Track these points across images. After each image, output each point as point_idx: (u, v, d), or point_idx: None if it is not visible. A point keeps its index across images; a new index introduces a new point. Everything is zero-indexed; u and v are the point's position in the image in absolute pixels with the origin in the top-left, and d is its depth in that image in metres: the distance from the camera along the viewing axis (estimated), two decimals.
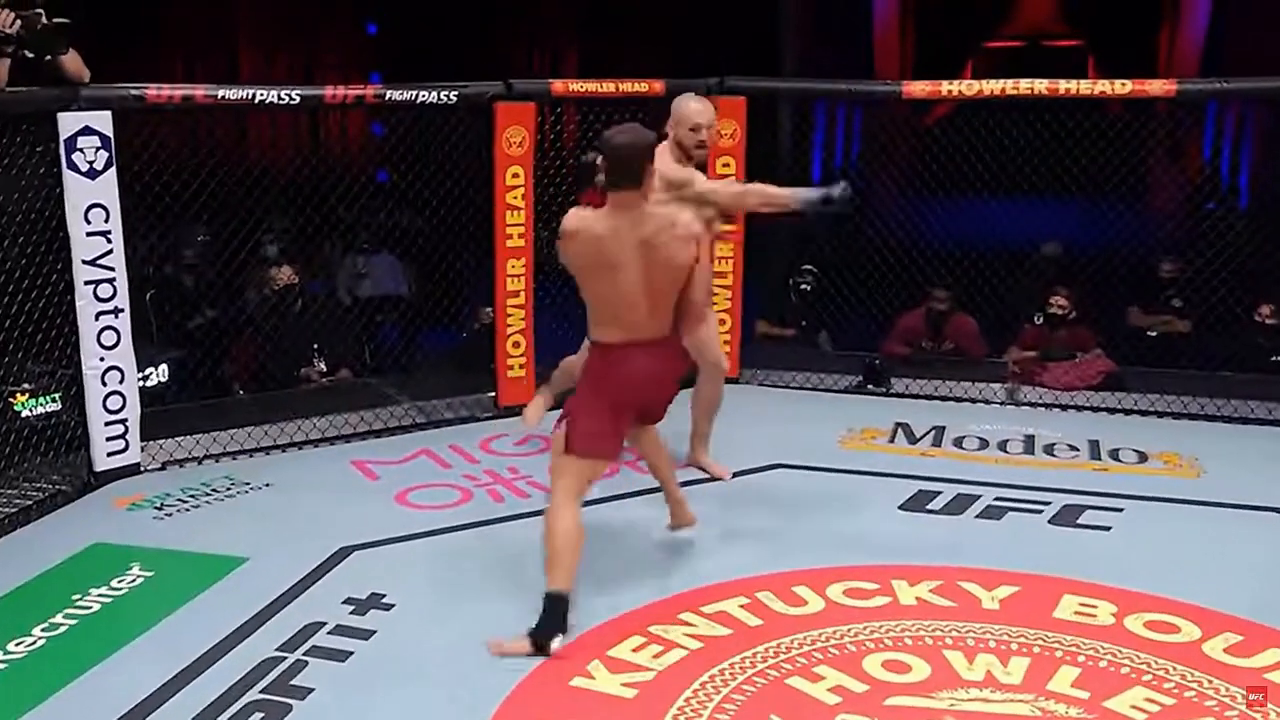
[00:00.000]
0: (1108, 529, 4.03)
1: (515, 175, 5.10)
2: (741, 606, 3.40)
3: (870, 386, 5.86)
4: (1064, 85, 5.03)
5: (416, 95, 4.88)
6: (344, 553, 3.80)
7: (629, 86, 5.32)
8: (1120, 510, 4.19)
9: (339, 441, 4.99)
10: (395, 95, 4.97)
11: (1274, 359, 6.02)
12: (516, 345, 5.27)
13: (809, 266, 6.53)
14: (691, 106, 4.05)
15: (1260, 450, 4.88)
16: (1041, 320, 6.17)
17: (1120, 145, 5.68)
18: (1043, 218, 7.15)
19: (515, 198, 5.13)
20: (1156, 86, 5.05)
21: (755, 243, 5.71)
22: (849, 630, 3.24)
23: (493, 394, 5.33)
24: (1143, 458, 4.84)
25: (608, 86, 5.32)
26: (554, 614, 3.13)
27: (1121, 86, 4.74)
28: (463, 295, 5.87)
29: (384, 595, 3.49)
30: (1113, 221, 6.60)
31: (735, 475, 4.52)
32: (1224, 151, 9.83)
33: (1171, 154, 6.64)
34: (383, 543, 3.89)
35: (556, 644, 3.11)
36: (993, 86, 5.22)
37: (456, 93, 4.94)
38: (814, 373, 5.91)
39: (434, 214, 5.31)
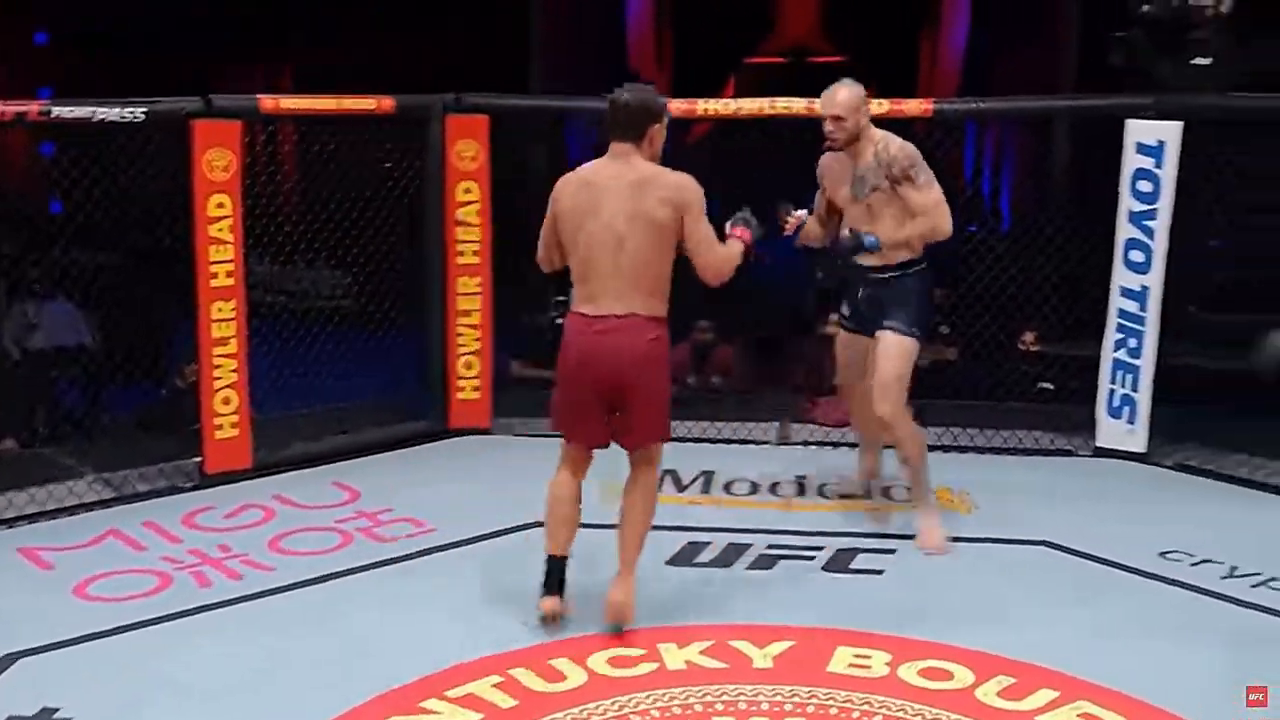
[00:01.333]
0: (880, 573, 4.29)
1: (220, 205, 4.96)
2: (494, 687, 3.40)
3: None
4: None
5: (94, 113, 4.67)
6: (7, 660, 3.56)
7: (353, 103, 5.27)
8: (893, 552, 4.47)
9: (1, 527, 4.66)
10: (66, 112, 4.72)
11: (1039, 387, 6.59)
12: (226, 401, 5.10)
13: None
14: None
15: (1028, 482, 5.33)
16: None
17: None
18: None
19: (221, 230, 4.98)
20: (913, 106, 5.50)
21: (507, 273, 5.76)
22: (614, 704, 3.31)
23: (198, 459, 5.13)
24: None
25: (327, 103, 5.25)
26: (547, 576, 3.76)
27: (878, 106, 5.10)
28: (158, 345, 5.62)
29: (57, 709, 3.28)
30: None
31: (482, 539, 4.52)
32: (985, 173, 10.69)
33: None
34: (57, 646, 3.67)
35: (547, 604, 3.72)
36: (750, 106, 5.52)
37: (145, 109, 4.76)
38: None
39: (120, 251, 5.06)
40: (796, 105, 5.46)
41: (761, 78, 10.67)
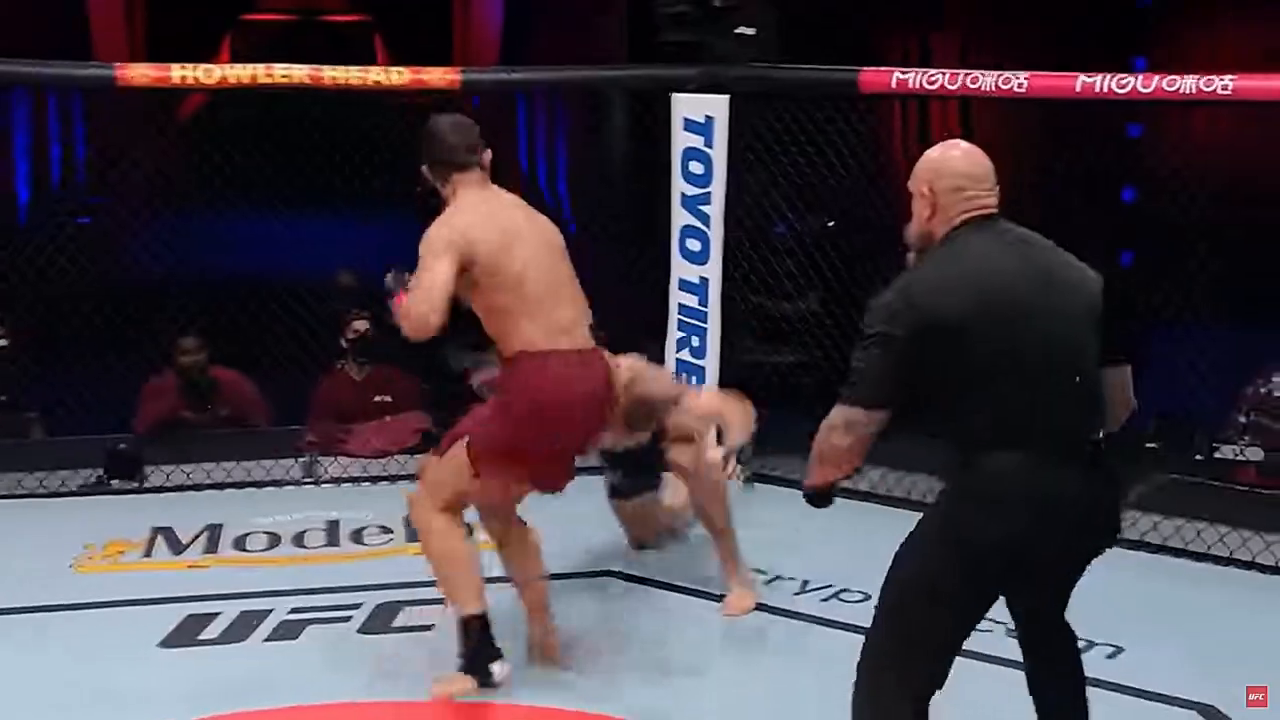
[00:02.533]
0: (429, 628, 4.19)
1: None
2: None
3: (116, 481, 5.61)
4: (329, 73, 5.19)
5: None
6: None
7: None
8: (442, 601, 4.36)
9: None
10: None
11: None
12: None
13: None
14: None
15: (586, 513, 5.35)
16: (345, 364, 6.37)
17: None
18: (341, 236, 7.35)
19: None
20: (436, 76, 5.41)
21: None
22: None
23: None
24: (469, 531, 5.13)
25: None
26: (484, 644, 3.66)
27: (399, 76, 5.02)
28: None
29: None
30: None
31: None
32: (539, 158, 10.97)
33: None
34: None
35: (498, 670, 3.63)
36: (239, 74, 5.23)
37: None
38: (27, 472, 5.53)
39: None
40: (298, 73, 5.22)
41: (261, 38, 10.35)
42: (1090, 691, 3.74)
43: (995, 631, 3.50)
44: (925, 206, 2.82)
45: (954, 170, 2.81)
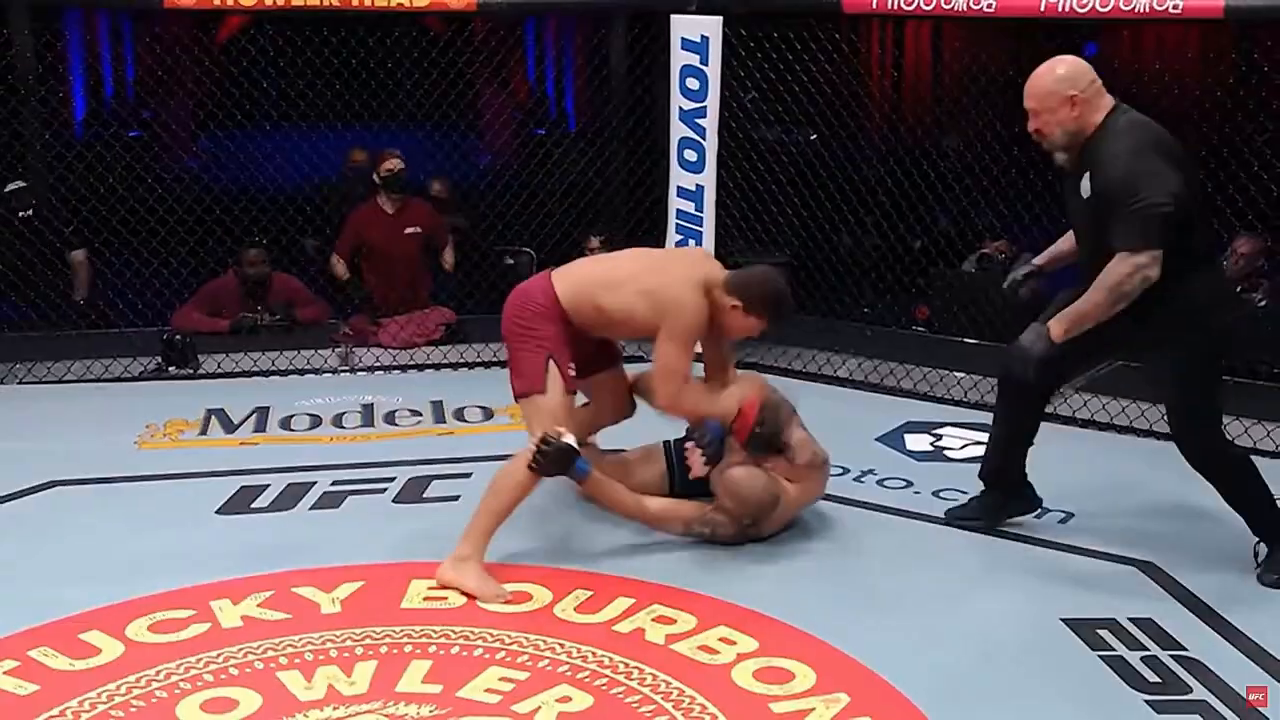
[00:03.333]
0: (455, 498, 4.21)
1: None
2: (6, 674, 3.06)
3: (172, 368, 5.64)
4: None
5: None
6: None
7: None
8: (468, 476, 4.40)
9: None
10: None
11: None
12: None
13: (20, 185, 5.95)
14: None
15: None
16: (380, 197, 6.35)
17: (446, 67, 5.98)
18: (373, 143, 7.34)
19: None
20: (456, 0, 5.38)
21: None
22: (158, 674, 3.06)
23: None
24: (488, 414, 5.20)
25: None
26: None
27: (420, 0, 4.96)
28: None
29: None
30: (449, 153, 7.01)
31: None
32: (548, 74, 10.84)
33: (499, 77, 7.15)
34: None
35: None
36: None
37: None
38: (95, 359, 5.54)
39: None
40: None
41: None
42: (1043, 552, 3.86)
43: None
44: (1072, 108, 3.43)
45: (1085, 71, 3.46)
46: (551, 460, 3.54)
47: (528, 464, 3.55)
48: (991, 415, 4.03)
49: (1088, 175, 3.46)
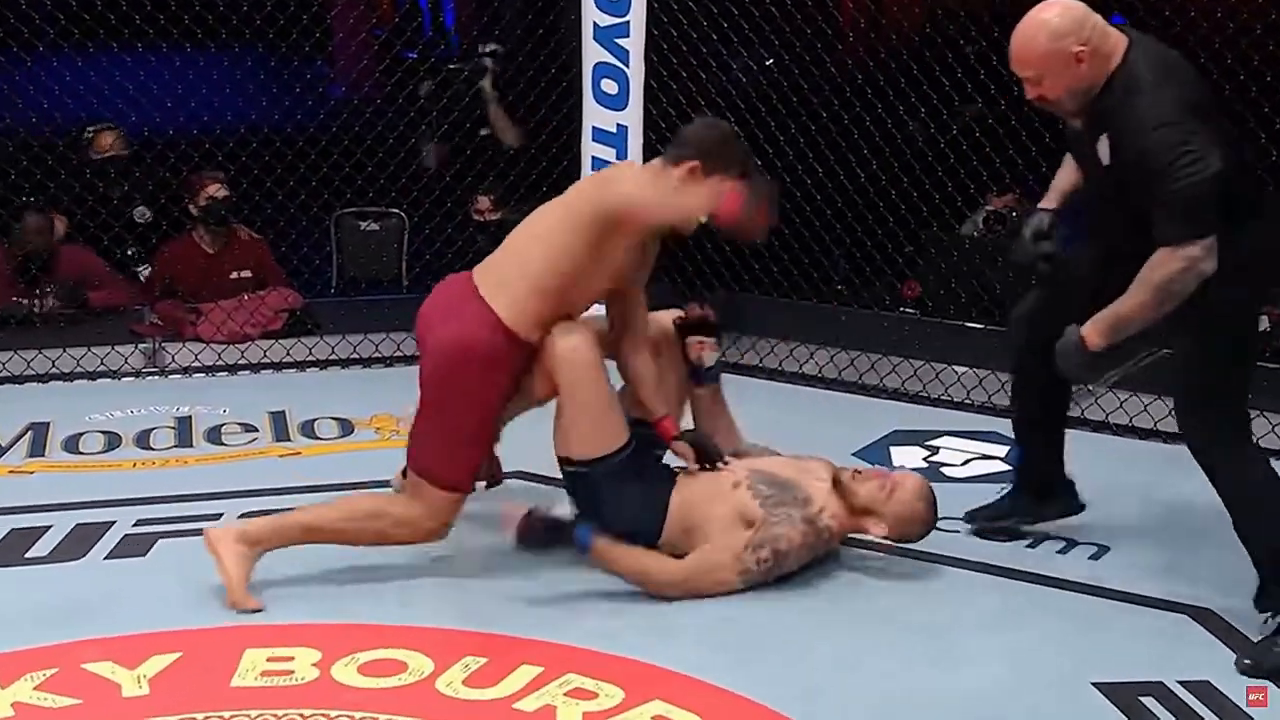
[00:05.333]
0: None
1: None
2: None
3: None
4: None
5: None
6: None
7: None
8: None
9: None
10: None
11: None
12: None
13: None
14: None
15: None
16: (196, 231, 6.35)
17: None
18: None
19: None
20: None
21: None
22: None
23: None
24: (346, 428, 5.18)
25: None
26: None
27: None
28: None
29: None
30: (288, 85, 6.95)
31: None
32: None
33: None
34: None
35: None
36: None
37: None
38: None
39: None
40: None
41: None
42: (1069, 596, 3.92)
43: None
44: (1079, 64, 3.46)
45: (1082, 14, 3.48)
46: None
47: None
48: (1001, 420, 4.12)
49: (1105, 139, 3.54)
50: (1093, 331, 3.53)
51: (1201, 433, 3.66)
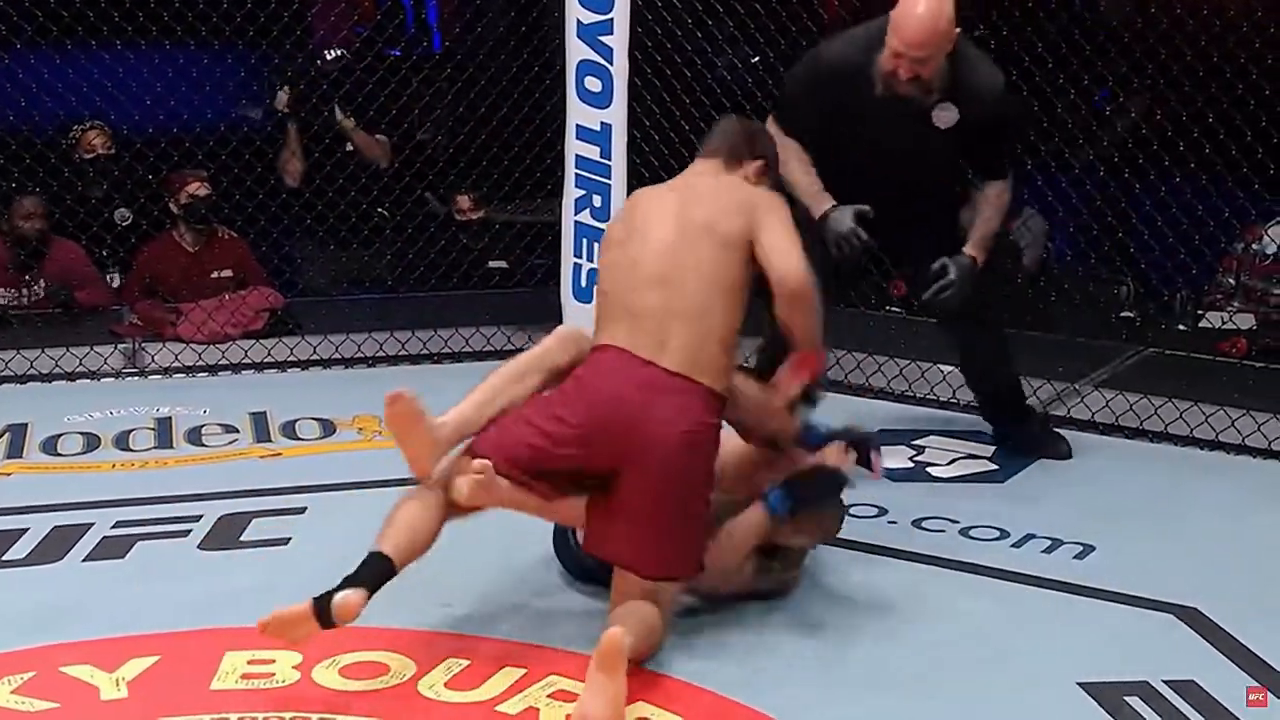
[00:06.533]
0: (285, 542, 4.22)
1: None
2: None
3: None
4: None
5: None
6: None
7: None
8: (302, 512, 4.43)
9: None
10: None
11: (489, 267, 6.81)
12: None
13: None
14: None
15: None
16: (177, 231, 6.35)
17: None
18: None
19: None
20: None
21: None
22: None
23: None
24: (328, 429, 5.17)
25: None
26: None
27: None
28: None
29: None
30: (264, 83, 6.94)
31: None
32: None
33: None
34: None
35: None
36: None
37: None
38: None
39: None
40: None
41: None
42: (1054, 595, 3.92)
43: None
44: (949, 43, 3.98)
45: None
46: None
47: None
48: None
49: (947, 105, 4.16)
50: (977, 251, 4.38)
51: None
